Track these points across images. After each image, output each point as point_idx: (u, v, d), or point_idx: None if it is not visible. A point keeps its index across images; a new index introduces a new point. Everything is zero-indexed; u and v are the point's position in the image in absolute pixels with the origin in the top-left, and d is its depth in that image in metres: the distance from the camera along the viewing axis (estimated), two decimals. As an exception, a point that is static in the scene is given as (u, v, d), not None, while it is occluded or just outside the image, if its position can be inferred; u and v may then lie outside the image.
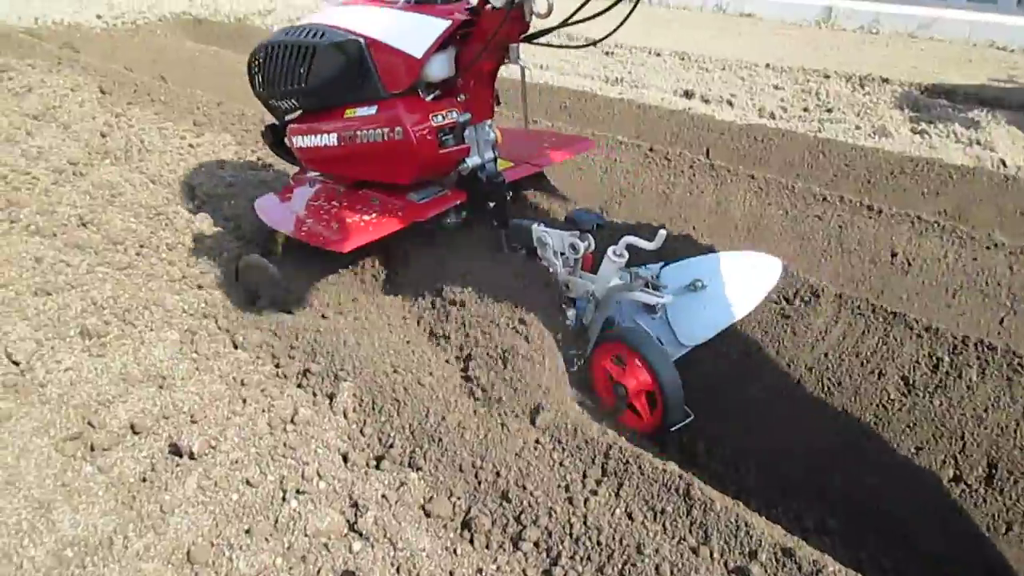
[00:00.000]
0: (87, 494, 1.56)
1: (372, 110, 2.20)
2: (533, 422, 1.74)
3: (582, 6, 1.89)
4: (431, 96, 2.23)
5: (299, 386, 1.96)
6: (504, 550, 1.50)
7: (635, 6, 1.84)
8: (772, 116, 4.76)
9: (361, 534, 1.50)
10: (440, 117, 2.18)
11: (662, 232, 1.85)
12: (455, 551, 1.51)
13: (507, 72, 2.43)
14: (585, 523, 1.49)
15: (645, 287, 1.99)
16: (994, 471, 1.78)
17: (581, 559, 1.44)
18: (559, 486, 1.59)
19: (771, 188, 3.20)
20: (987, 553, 1.71)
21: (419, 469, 1.68)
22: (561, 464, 1.64)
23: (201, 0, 8.81)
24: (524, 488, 1.58)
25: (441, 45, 2.10)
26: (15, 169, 2.83)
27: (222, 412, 1.80)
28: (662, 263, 2.22)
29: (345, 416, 1.84)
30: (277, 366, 2.02)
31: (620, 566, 1.41)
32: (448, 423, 1.74)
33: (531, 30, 2.10)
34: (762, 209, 3.16)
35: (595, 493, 1.55)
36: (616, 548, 1.44)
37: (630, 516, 1.49)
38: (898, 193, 3.39)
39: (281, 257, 2.48)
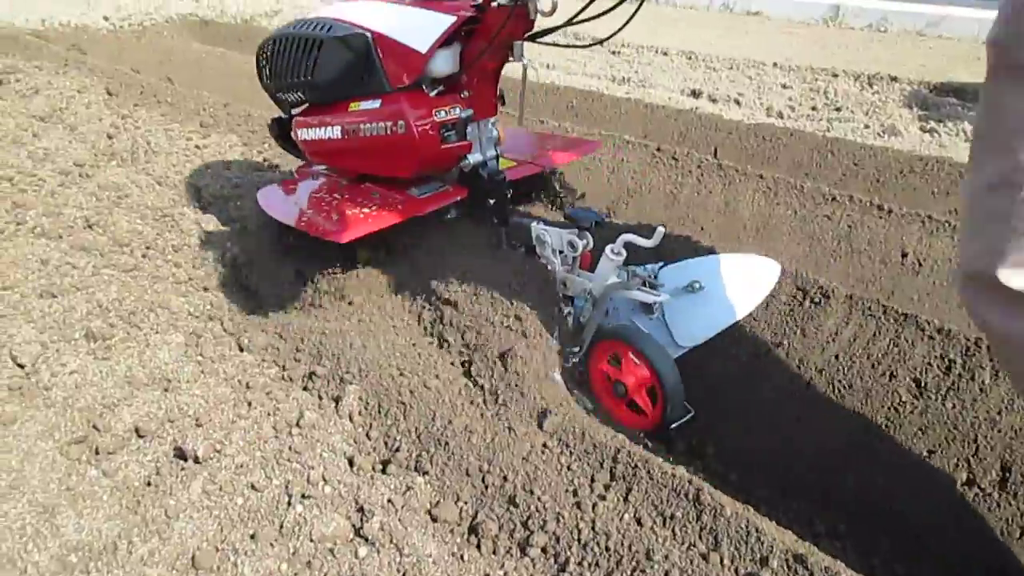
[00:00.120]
0: (92, 498, 1.55)
1: (376, 104, 2.22)
2: (540, 426, 1.72)
3: (587, 5, 1.88)
4: (435, 92, 2.24)
5: (305, 389, 1.95)
6: (511, 556, 1.49)
7: (640, 5, 1.84)
8: (780, 115, 4.73)
9: (367, 539, 1.49)
10: (443, 112, 2.19)
11: (660, 230, 1.83)
12: (462, 557, 1.49)
13: (514, 72, 2.42)
14: (593, 528, 1.47)
15: (642, 286, 1.98)
16: (1008, 474, 1.76)
17: (589, 565, 1.42)
18: (567, 491, 1.57)
19: (780, 188, 3.17)
20: (1001, 558, 1.69)
21: (425, 473, 1.67)
22: (569, 468, 1.62)
23: (208, 1, 8.82)
24: (532, 493, 1.56)
25: (446, 41, 2.11)
26: (21, 171, 2.83)
27: (227, 415, 1.79)
28: (661, 263, 2.21)
29: (351, 419, 1.83)
30: (282, 369, 2.01)
31: (629, 572, 1.39)
32: (455, 427, 1.73)
33: (536, 28, 2.11)
34: (771, 209, 3.14)
35: (603, 498, 1.53)
36: (625, 554, 1.42)
37: (639, 521, 1.48)
38: (908, 192, 3.35)
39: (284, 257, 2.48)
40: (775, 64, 5.94)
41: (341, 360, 1.98)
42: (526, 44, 2.15)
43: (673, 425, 1.92)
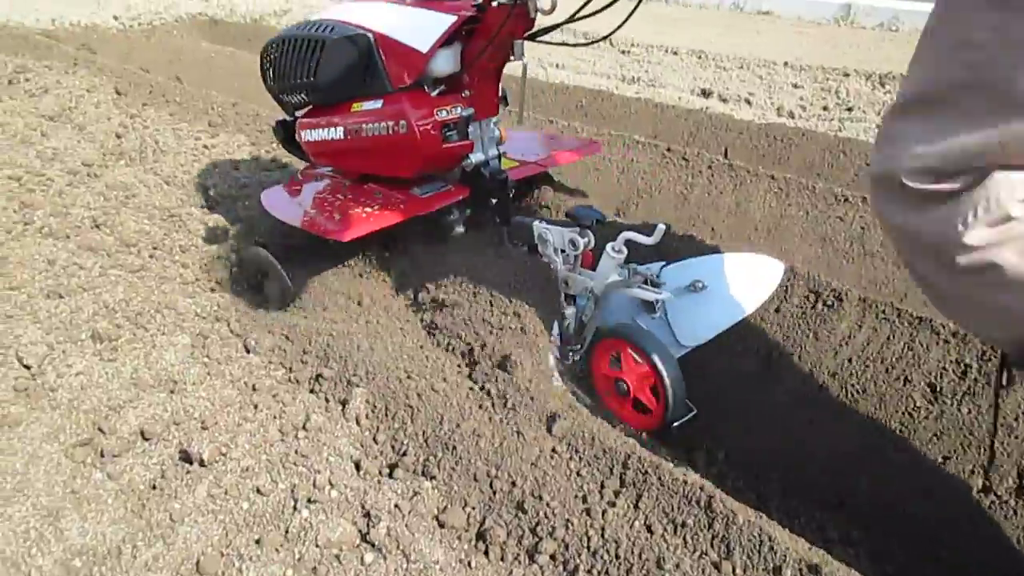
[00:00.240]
0: (96, 502, 1.54)
1: (378, 104, 2.22)
2: (549, 430, 1.70)
3: (586, 3, 1.88)
4: (436, 91, 2.25)
5: (311, 391, 1.93)
6: (520, 563, 1.46)
7: (639, 3, 1.84)
8: (791, 115, 4.69)
9: (373, 545, 1.47)
10: (444, 112, 2.20)
11: (660, 227, 1.82)
12: (469, 563, 1.47)
13: (515, 72, 2.41)
14: (603, 535, 1.45)
15: (644, 284, 1.96)
16: (1025, 481, 1.73)
17: (599, 573, 1.40)
18: (576, 497, 1.55)
19: (791, 188, 3.14)
20: (1019, 567, 1.66)
21: (433, 478, 1.64)
22: (578, 474, 1.60)
23: (217, 1, 8.85)
24: (540, 499, 1.54)
25: (447, 40, 2.12)
26: (30, 171, 2.83)
27: (233, 418, 1.78)
28: (663, 263, 2.19)
29: (358, 423, 1.81)
30: (289, 371, 2.00)
31: (639, 581, 1.37)
32: (463, 431, 1.71)
33: (536, 27, 2.11)
34: (782, 210, 3.11)
35: (613, 504, 1.50)
36: (635, 562, 1.39)
37: (649, 529, 1.45)
38: (921, 193, 3.31)
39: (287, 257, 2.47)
40: (786, 64, 5.90)
41: (348, 362, 1.96)
42: (527, 43, 2.16)
43: (675, 424, 1.91)
